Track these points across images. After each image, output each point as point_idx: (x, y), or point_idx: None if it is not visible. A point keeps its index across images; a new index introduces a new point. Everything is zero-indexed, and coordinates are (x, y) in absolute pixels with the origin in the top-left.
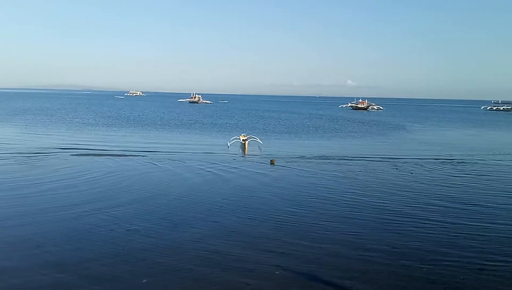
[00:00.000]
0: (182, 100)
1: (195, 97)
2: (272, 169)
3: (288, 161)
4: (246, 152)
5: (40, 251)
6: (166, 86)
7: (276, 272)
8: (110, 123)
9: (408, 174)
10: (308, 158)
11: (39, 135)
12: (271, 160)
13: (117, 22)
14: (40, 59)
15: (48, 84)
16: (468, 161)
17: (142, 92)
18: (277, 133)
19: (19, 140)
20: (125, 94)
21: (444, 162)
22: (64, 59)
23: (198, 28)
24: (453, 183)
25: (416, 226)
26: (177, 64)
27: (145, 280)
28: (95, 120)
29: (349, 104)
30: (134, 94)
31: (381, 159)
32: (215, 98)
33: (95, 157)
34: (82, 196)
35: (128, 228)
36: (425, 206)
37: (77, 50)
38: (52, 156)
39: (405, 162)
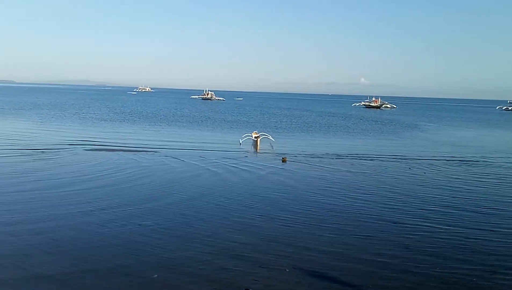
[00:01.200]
0: (195, 96)
1: (208, 94)
2: (283, 167)
3: (300, 159)
4: (258, 149)
5: (53, 245)
6: (178, 83)
7: (286, 270)
8: (123, 118)
9: (421, 174)
10: (320, 156)
11: (54, 130)
12: (282, 158)
13: (131, 19)
14: (55, 55)
15: (63, 79)
16: (482, 162)
17: (151, 88)
18: (289, 130)
19: (34, 135)
20: (134, 90)
21: (457, 162)
22: (78, 55)
23: (211, 24)
24: (466, 185)
25: (428, 227)
26: (190, 60)
27: (156, 275)
28: (109, 115)
29: (362, 103)
30: (143, 90)
31: (394, 158)
32: (231, 95)
33: (107, 152)
34: (93, 192)
35: (140, 223)
36: (437, 207)
37: (91, 46)
38: (66, 151)
39: (418, 162)
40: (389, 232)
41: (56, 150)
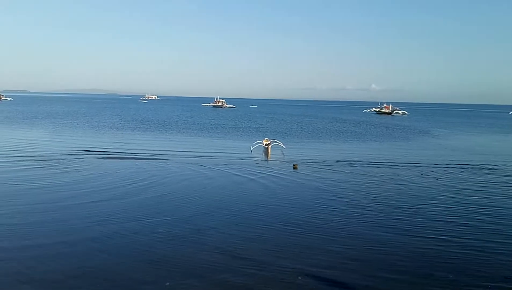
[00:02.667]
0: (205, 104)
1: (218, 102)
2: (295, 174)
3: (311, 166)
4: (269, 156)
5: (65, 252)
6: (188, 90)
7: (299, 277)
8: (134, 126)
9: (434, 180)
10: (331, 163)
11: (66, 139)
12: (294, 165)
13: (142, 27)
14: (67, 65)
15: (75, 88)
16: (496, 168)
17: (157, 96)
18: (300, 137)
19: (46, 144)
20: (141, 98)
21: (470, 168)
22: (89, 64)
23: (222, 33)
24: (479, 191)
25: (441, 232)
26: (200, 68)
27: (168, 283)
28: (120, 123)
29: (373, 109)
30: (149, 98)
31: (405, 164)
32: (242, 103)
33: (119, 160)
34: (106, 200)
35: (152, 231)
36: (451, 212)
37: (103, 56)
38: (78, 160)
39: (430, 168)
40: (402, 241)
41: (69, 159)
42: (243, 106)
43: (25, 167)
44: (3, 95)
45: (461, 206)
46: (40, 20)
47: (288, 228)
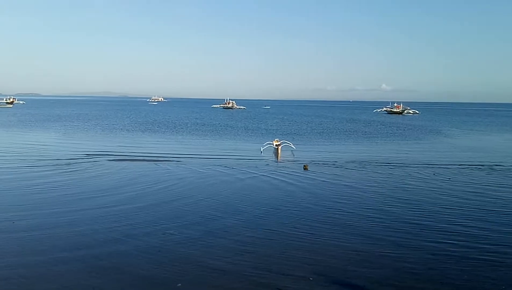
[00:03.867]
0: (216, 106)
1: (229, 103)
2: (305, 175)
3: (321, 166)
4: (279, 157)
5: (76, 250)
6: (199, 92)
7: (310, 278)
8: (145, 128)
9: (446, 180)
10: (341, 163)
11: (78, 141)
12: (304, 166)
13: (154, 30)
14: (78, 68)
15: (86, 91)
16: (510, 168)
17: (164, 98)
18: (310, 138)
19: (58, 146)
20: (148, 100)
21: (483, 168)
22: (100, 67)
23: (229, 34)
24: (493, 191)
25: (455, 232)
26: (209, 70)
27: (179, 284)
28: (131, 125)
29: (384, 109)
30: (156, 100)
31: (417, 164)
32: (255, 104)
33: (131, 162)
34: (117, 201)
35: (164, 232)
36: (463, 213)
37: (113, 59)
38: (90, 162)
39: (443, 168)
40: (415, 243)
41: (81, 161)
42: (256, 107)
43: (41, 172)
44: (15, 99)
45: (474, 207)
46: (52, 24)
47: (299, 228)
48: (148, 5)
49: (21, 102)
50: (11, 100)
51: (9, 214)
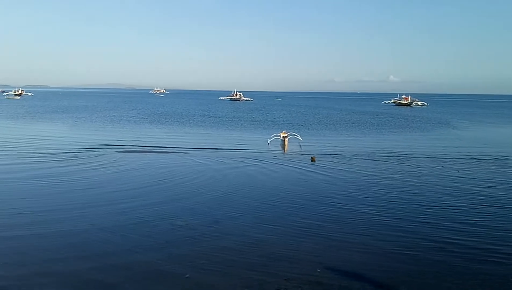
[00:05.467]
0: (223, 97)
1: (236, 95)
2: (313, 167)
3: (329, 158)
4: (286, 149)
5: (88, 242)
6: (206, 84)
7: (318, 270)
8: (153, 120)
9: (455, 172)
10: (349, 155)
11: (85, 132)
12: (311, 158)
13: (161, 23)
14: (86, 60)
15: (94, 83)
16: None
17: (166, 90)
18: (317, 129)
19: (66, 138)
20: (149, 92)
21: (492, 160)
22: (108, 59)
23: (237, 26)
24: (500, 183)
25: (463, 224)
26: (217, 62)
27: (187, 275)
28: (138, 117)
29: (392, 100)
30: (158, 92)
31: (426, 156)
32: (265, 96)
33: (139, 153)
34: (126, 192)
35: (172, 223)
36: (472, 204)
37: (121, 50)
38: (99, 154)
39: (451, 160)
40: (423, 233)
41: (88, 152)
42: (263, 99)
43: (47, 163)
44: (24, 91)
45: (481, 198)
46: (60, 17)
47: (306, 220)
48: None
49: (29, 94)
50: (20, 92)
51: (14, 207)
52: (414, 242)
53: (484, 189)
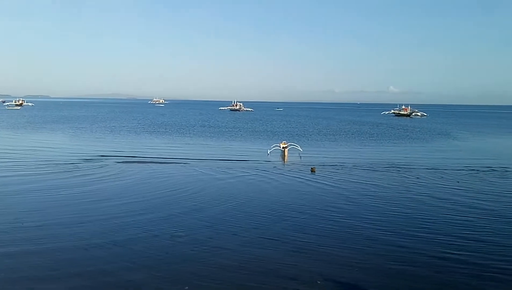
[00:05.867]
0: (223, 108)
1: (236, 105)
2: (313, 177)
3: (329, 169)
4: (286, 159)
5: (86, 255)
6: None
7: (318, 282)
8: (152, 130)
9: (455, 183)
10: (349, 166)
11: (85, 143)
12: (311, 168)
13: (161, 34)
14: (86, 70)
15: (94, 93)
16: None
17: (165, 100)
18: (317, 140)
19: (65, 148)
20: (149, 102)
21: (491, 171)
22: (108, 70)
23: (238, 38)
24: (499, 195)
25: (463, 239)
26: (219, 73)
27: (187, 287)
28: (138, 127)
29: (392, 111)
30: (157, 102)
31: (426, 167)
32: (263, 106)
33: (138, 164)
34: (125, 204)
35: (172, 235)
36: (472, 218)
37: (121, 61)
38: (97, 164)
39: (451, 171)
40: (422, 248)
41: (88, 163)
42: (264, 109)
43: (42, 172)
44: (24, 101)
45: (481, 211)
46: (60, 27)
47: (306, 232)
48: (157, 9)
49: (30, 104)
50: (20, 102)
51: (17, 218)
52: (413, 257)
53: (484, 203)
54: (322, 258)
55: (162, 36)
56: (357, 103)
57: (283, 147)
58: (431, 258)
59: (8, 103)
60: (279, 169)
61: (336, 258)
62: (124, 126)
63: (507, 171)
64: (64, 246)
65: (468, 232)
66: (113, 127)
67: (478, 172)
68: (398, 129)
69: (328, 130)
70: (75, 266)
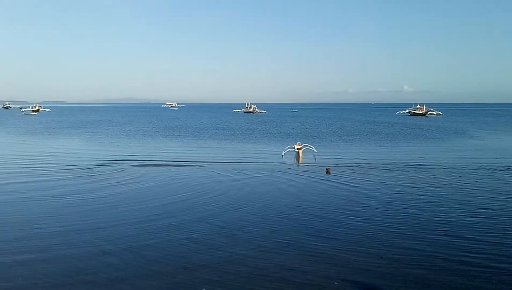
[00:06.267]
0: (237, 110)
1: (250, 107)
2: (328, 179)
3: (344, 170)
4: (300, 161)
5: (103, 258)
6: (219, 97)
7: (335, 283)
8: (167, 133)
9: (472, 184)
10: (364, 166)
11: (100, 146)
12: (326, 169)
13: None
14: (101, 75)
15: (109, 98)
16: None
17: (177, 104)
18: (332, 141)
19: (83, 153)
20: (162, 106)
21: (510, 170)
22: (123, 75)
23: (251, 41)
24: None
25: (481, 243)
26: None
27: (204, 289)
28: (153, 130)
29: (407, 110)
30: (170, 106)
31: (442, 167)
32: (277, 108)
33: (154, 167)
34: (140, 209)
35: (188, 237)
36: (491, 221)
37: (135, 66)
38: (117, 168)
39: (468, 170)
40: (440, 248)
41: (104, 167)
42: (281, 111)
43: (59, 175)
44: (41, 107)
45: (499, 213)
46: (77, 35)
47: (322, 234)
48: (170, 14)
49: (46, 109)
50: (37, 108)
51: (34, 224)
52: (430, 262)
53: (502, 204)
54: (339, 262)
55: (174, 40)
56: (371, 103)
57: (297, 149)
58: (449, 262)
59: (25, 109)
60: (294, 170)
61: (353, 262)
62: (139, 130)
63: None
64: (78, 252)
65: (487, 235)
66: (128, 131)
67: (496, 171)
68: (414, 129)
69: (342, 131)
70: (89, 273)
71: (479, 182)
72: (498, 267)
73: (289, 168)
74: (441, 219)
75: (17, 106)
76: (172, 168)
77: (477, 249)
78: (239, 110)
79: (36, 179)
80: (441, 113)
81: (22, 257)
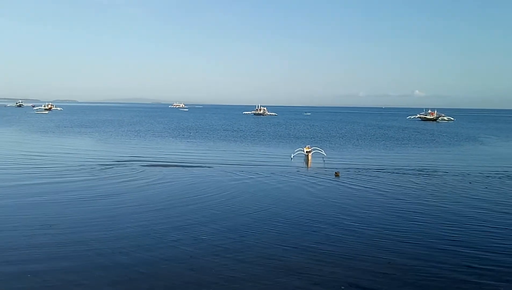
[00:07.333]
0: (247, 112)
1: (260, 109)
2: (337, 182)
3: (353, 173)
4: (309, 164)
5: (111, 258)
6: (230, 99)
7: (342, 288)
8: (177, 134)
9: (483, 190)
10: (373, 170)
11: (111, 147)
12: (335, 173)
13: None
14: (113, 75)
15: (120, 98)
16: None
17: (185, 105)
18: (342, 144)
19: (92, 152)
20: (169, 106)
21: None
22: (134, 75)
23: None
24: None
25: (491, 253)
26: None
27: None
28: (163, 131)
29: (418, 115)
30: (177, 106)
31: (453, 172)
32: (287, 111)
33: (163, 167)
34: (149, 211)
35: (195, 238)
36: (502, 229)
37: (145, 66)
38: (124, 168)
39: (479, 177)
40: (447, 249)
41: (115, 167)
42: (291, 113)
43: (70, 175)
44: (53, 105)
45: (511, 220)
46: (89, 35)
47: (330, 237)
48: (180, 14)
49: (58, 108)
50: (49, 106)
51: (44, 225)
52: (437, 272)
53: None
54: (346, 264)
55: (185, 41)
56: (382, 107)
57: (307, 152)
58: (457, 272)
59: (37, 108)
60: (303, 174)
61: (361, 264)
62: (149, 130)
63: None
64: (89, 255)
65: (497, 244)
66: (138, 131)
67: (508, 178)
68: (424, 134)
69: (352, 135)
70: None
71: (490, 188)
72: (509, 279)
73: (298, 171)
74: (450, 226)
75: (30, 104)
76: (182, 169)
77: (485, 258)
78: (249, 112)
79: (46, 181)
80: (453, 119)
81: (34, 258)
